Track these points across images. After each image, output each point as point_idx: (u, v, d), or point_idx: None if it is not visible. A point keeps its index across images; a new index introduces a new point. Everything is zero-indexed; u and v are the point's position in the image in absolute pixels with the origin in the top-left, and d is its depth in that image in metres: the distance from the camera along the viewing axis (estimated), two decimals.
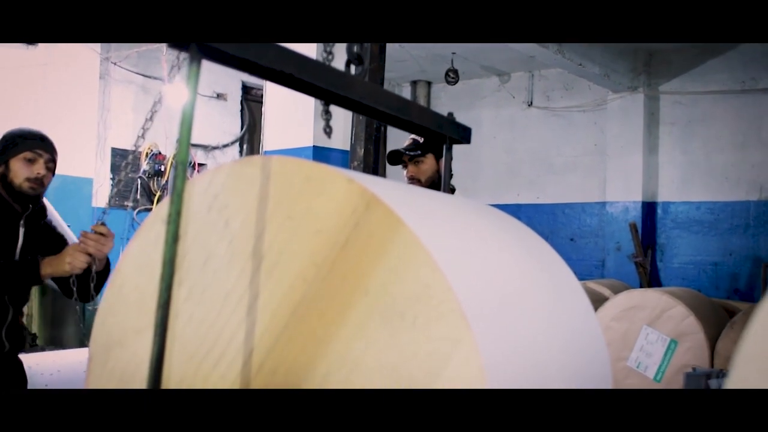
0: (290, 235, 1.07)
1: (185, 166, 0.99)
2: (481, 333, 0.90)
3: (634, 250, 6.56)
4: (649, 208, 6.81)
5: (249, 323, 1.07)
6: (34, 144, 2.55)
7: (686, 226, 6.73)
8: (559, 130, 7.44)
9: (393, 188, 1.17)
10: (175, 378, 1.13)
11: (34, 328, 5.58)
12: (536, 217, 7.42)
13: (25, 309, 5.49)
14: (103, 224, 2.42)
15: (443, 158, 2.85)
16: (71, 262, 2.38)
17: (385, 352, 0.93)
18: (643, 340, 4.89)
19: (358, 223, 1.00)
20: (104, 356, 1.26)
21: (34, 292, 5.55)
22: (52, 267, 2.43)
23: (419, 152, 2.76)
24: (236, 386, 1.08)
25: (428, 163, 2.80)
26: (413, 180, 2.80)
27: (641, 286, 6.35)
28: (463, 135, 2.09)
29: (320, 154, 5.04)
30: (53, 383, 3.38)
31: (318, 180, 1.07)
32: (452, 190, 2.86)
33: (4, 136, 2.59)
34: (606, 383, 1.43)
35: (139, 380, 1.04)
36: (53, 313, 5.72)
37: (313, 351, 0.99)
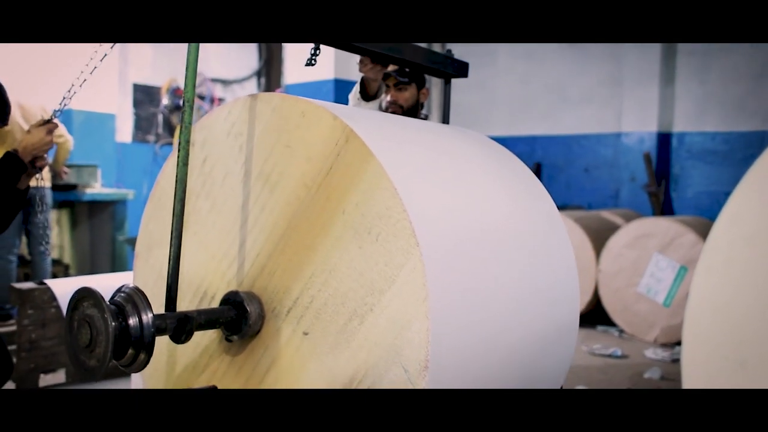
0: (288, 160, 1.29)
1: (192, 103, 1.18)
2: (428, 246, 1.11)
3: (647, 180, 6.65)
4: (664, 139, 6.85)
5: (256, 231, 1.29)
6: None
7: (700, 157, 6.78)
8: (574, 61, 7.42)
9: (376, 122, 1.34)
10: (199, 274, 1.37)
11: (67, 259, 5.88)
12: (551, 148, 7.50)
13: (57, 240, 5.76)
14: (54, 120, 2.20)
15: (423, 89, 2.99)
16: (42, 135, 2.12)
17: (356, 260, 1.15)
18: (653, 266, 5.03)
19: (340, 154, 1.20)
20: (147, 254, 1.53)
21: (66, 222, 5.82)
22: (26, 148, 2.12)
23: (406, 80, 2.87)
24: (243, 285, 1.31)
25: (411, 92, 2.92)
26: (394, 105, 2.89)
27: (654, 216, 6.45)
28: (459, 70, 2.20)
29: (342, 86, 5.14)
30: None
31: (310, 115, 1.27)
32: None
33: None
34: (571, 310, 1.60)
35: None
36: (85, 244, 6.01)
37: (302, 257, 1.21)
